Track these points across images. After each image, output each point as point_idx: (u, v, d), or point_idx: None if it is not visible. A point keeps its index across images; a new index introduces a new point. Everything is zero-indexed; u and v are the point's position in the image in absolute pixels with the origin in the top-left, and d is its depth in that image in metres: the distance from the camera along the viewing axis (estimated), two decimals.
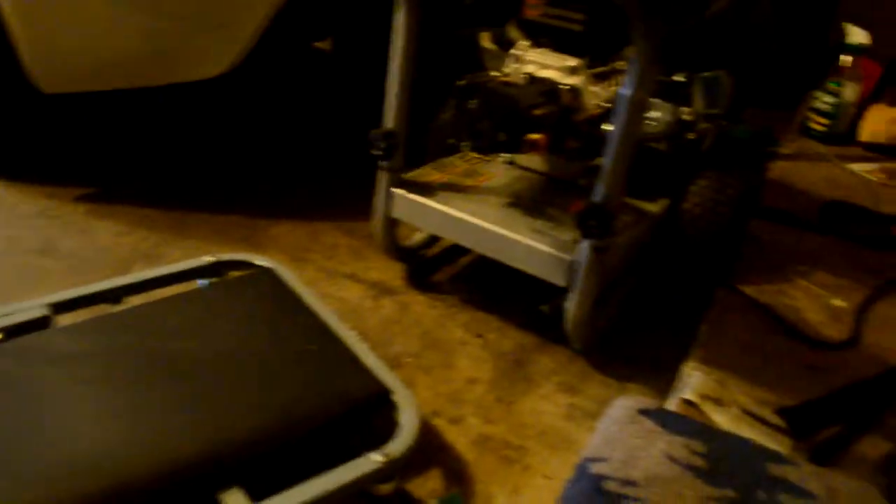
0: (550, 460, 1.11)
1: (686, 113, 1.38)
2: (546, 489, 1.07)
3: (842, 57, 2.13)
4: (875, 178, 1.95)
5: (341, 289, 1.45)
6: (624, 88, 1.06)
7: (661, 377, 1.27)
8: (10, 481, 0.84)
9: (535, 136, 1.20)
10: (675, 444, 0.97)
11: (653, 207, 1.38)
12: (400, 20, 1.23)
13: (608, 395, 1.24)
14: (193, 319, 1.14)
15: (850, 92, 2.11)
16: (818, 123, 2.20)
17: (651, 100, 1.35)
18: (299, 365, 1.07)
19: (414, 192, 1.33)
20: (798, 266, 1.49)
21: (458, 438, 1.13)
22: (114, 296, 1.21)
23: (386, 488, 1.00)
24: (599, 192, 1.12)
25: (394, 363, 1.26)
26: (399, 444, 0.98)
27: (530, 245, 1.22)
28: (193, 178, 1.81)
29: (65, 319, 1.15)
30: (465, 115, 1.25)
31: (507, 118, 1.21)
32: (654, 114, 1.35)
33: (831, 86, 2.15)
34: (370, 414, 1.06)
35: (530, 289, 1.32)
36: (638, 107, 1.08)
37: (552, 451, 1.13)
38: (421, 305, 1.42)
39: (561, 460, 1.11)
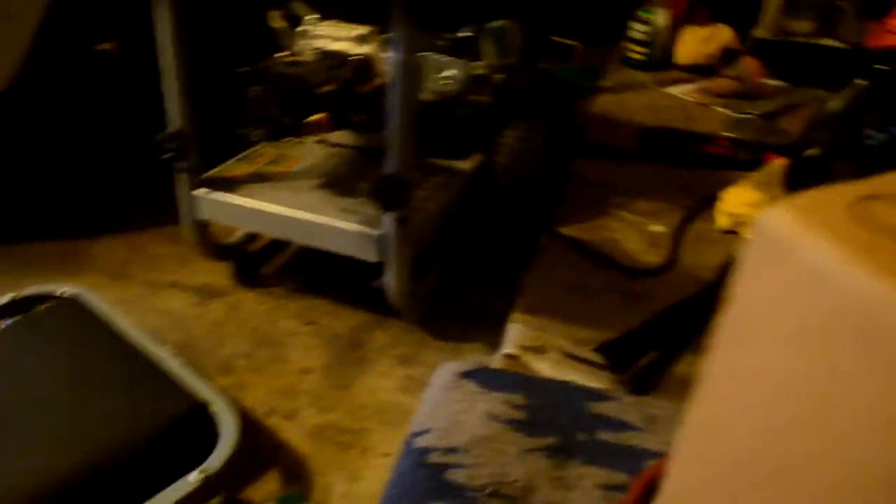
0: (388, 437, 1.11)
1: (479, 67, 1.37)
2: (385, 468, 1.05)
3: None
4: (692, 99, 2.02)
5: (166, 300, 1.39)
6: (393, 54, 1.04)
7: (497, 333, 1.28)
8: None
9: (315, 118, 1.17)
10: (496, 402, 0.98)
11: (464, 165, 1.38)
12: (162, 14, 1.16)
13: (445, 359, 1.24)
14: None
15: (662, 18, 2.17)
16: (636, 52, 2.25)
17: (442, 58, 1.33)
18: (106, 393, 1.02)
19: (215, 190, 1.28)
20: (618, 198, 1.53)
21: (294, 433, 1.12)
22: None
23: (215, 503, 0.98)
24: (391, 163, 1.11)
25: (223, 368, 1.22)
26: (217, 457, 0.95)
27: (336, 226, 1.20)
28: (2, 208, 1.69)
29: None
30: (251, 102, 1.21)
31: (290, 101, 1.18)
32: (447, 72, 1.34)
33: (644, 14, 2.20)
34: (188, 431, 1.03)
35: (362, 267, 1.30)
36: (410, 71, 1.06)
37: (390, 427, 1.13)
38: (250, 303, 1.39)
39: (399, 435, 1.09)
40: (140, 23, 1.24)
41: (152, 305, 1.38)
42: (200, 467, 0.93)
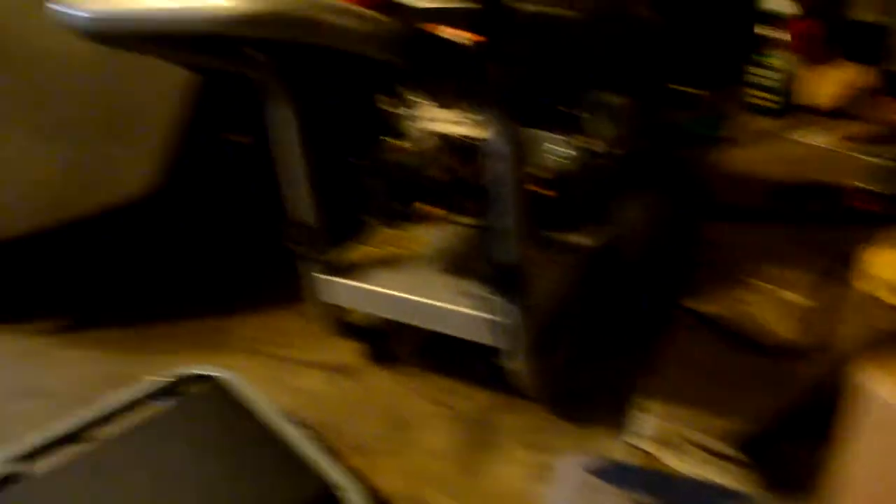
0: None
1: (595, 141, 1.36)
2: None
3: (768, 27, 2.08)
4: (826, 147, 1.91)
5: (300, 378, 1.45)
6: (494, 140, 1.04)
7: (625, 414, 1.25)
8: None
9: (428, 208, 1.19)
10: (624, 500, 0.96)
11: (586, 239, 1.37)
12: (282, 113, 1.22)
13: (574, 444, 1.23)
14: (151, 449, 1.16)
15: (787, 61, 2.08)
16: (761, 98, 2.16)
17: (554, 135, 1.33)
18: (241, 478, 1.08)
19: (337, 274, 1.34)
20: (750, 263, 1.46)
21: None
22: (80, 436, 1.23)
23: None
24: (503, 251, 1.11)
25: (356, 449, 1.26)
26: None
27: (454, 310, 1.21)
28: (153, 294, 1.83)
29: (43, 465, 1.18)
30: (365, 189, 1.26)
31: (399, 188, 1.21)
32: (561, 148, 1.34)
33: (766, 59, 2.11)
34: None
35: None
36: (514, 157, 1.05)
37: None
38: (383, 382, 1.42)
39: None
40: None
41: (288, 383, 1.44)
42: None
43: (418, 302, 1.25)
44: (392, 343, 1.52)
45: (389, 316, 1.31)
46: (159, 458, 1.14)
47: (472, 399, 1.35)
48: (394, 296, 1.27)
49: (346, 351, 1.51)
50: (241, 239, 1.99)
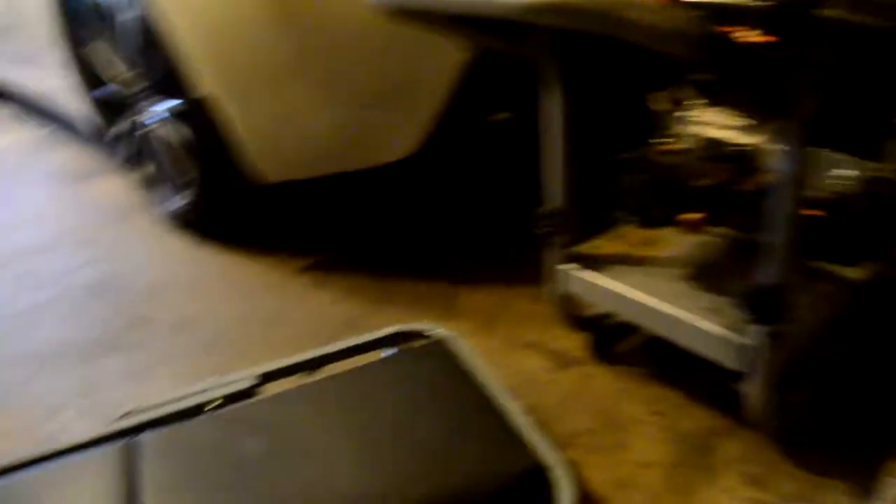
0: None
1: (881, 168, 1.22)
2: None
3: None
4: None
5: (523, 359, 1.48)
6: (783, 153, 0.97)
7: (865, 473, 1.13)
8: None
9: (689, 216, 1.14)
10: None
11: (854, 273, 1.24)
12: (553, 100, 1.24)
13: (800, 491, 1.13)
14: (372, 390, 1.24)
15: None
16: None
17: (837, 155, 1.22)
18: (456, 439, 1.12)
19: (581, 267, 1.33)
20: None
21: None
22: (310, 367, 1.36)
23: None
24: (768, 272, 1.04)
25: (565, 441, 1.26)
26: None
27: (698, 325, 1.16)
28: (396, 249, 1.95)
29: (273, 387, 1.33)
30: (627, 189, 1.23)
31: (664, 193, 1.17)
32: (841, 171, 1.22)
33: None
34: (525, 492, 1.09)
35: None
36: (801, 172, 0.98)
37: None
38: (602, 379, 1.41)
39: None
40: (535, 98, 1.33)
41: (509, 362, 1.47)
42: None
43: (660, 309, 1.21)
44: (617, 339, 1.49)
45: (627, 318, 1.29)
46: (376, 401, 1.22)
47: (690, 415, 1.30)
48: (636, 298, 1.25)
49: (570, 341, 1.51)
50: (488, 214, 2.06)
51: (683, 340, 1.20)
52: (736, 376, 1.20)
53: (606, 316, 1.50)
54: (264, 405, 1.24)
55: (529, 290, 1.69)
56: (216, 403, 1.28)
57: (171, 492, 1.08)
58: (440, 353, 1.31)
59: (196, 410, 1.28)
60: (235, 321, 1.70)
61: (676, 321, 1.19)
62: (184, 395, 1.30)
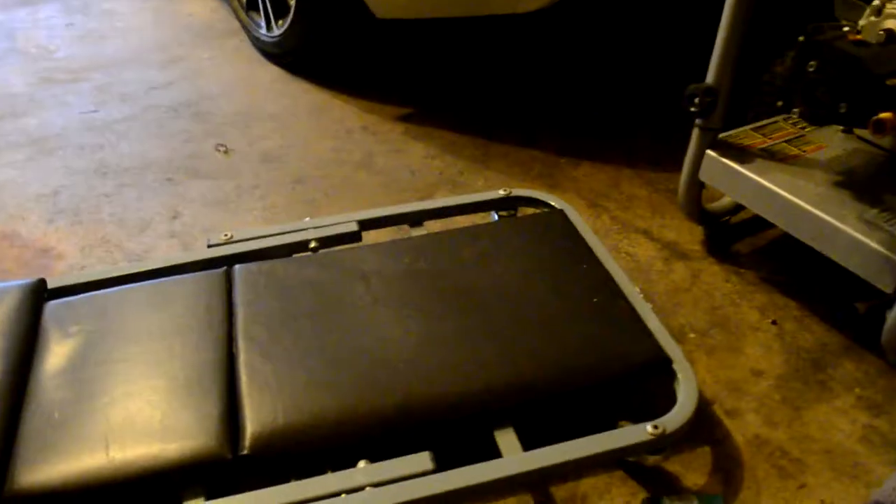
0: (832, 486, 1.00)
1: None
2: None
3: None
4: None
5: (633, 244, 1.40)
6: None
7: None
8: (312, 385, 0.96)
9: (884, 115, 1.01)
10: None
11: None
12: None
13: None
14: (484, 253, 1.17)
15: None
16: None
17: None
18: (582, 317, 1.06)
19: (728, 155, 1.22)
20: None
21: (733, 434, 1.06)
22: (415, 219, 1.29)
23: (652, 459, 0.98)
24: None
25: (676, 336, 1.20)
26: (675, 419, 0.94)
27: (855, 237, 1.06)
28: (499, 110, 1.83)
29: (370, 235, 1.27)
30: (802, 76, 1.10)
31: (851, 87, 1.04)
32: None
33: None
34: (645, 381, 1.04)
35: (843, 277, 1.16)
36: None
37: (836, 475, 1.01)
38: (715, 276, 1.33)
39: (845, 490, 1.00)
40: None
41: (619, 245, 1.40)
42: (655, 422, 0.93)
43: (808, 213, 1.11)
44: (735, 238, 1.40)
45: (766, 216, 1.19)
46: (490, 264, 1.15)
47: (807, 328, 1.22)
48: (781, 196, 1.14)
49: (684, 232, 1.42)
50: (608, 88, 1.92)
51: (829, 250, 1.10)
52: (863, 296, 1.11)
53: (730, 212, 1.41)
54: (367, 252, 1.18)
55: (641, 173, 1.58)
56: (314, 245, 1.23)
57: (267, 326, 1.05)
58: (557, 223, 1.23)
59: (294, 248, 1.23)
60: (325, 160, 1.63)
61: (825, 227, 1.09)
62: (280, 232, 1.25)
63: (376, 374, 0.97)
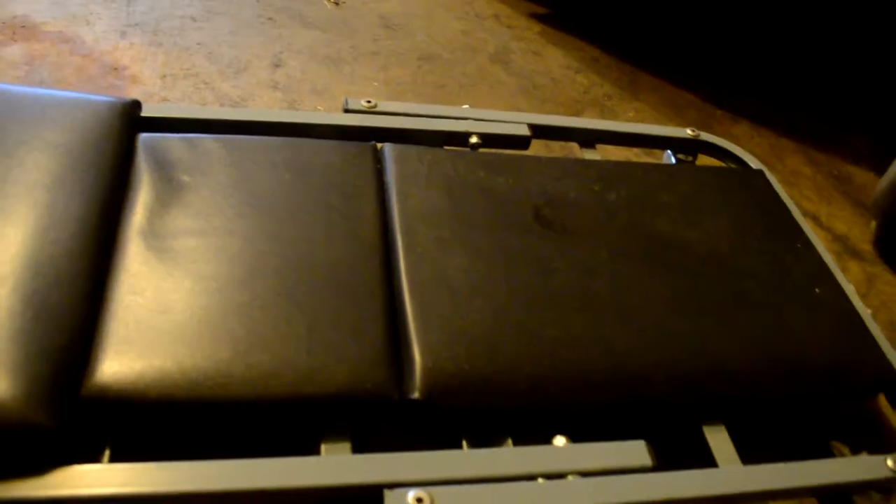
0: None
1: None
2: None
3: None
4: None
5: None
6: None
7: None
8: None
9: None
10: None
11: None
12: None
13: None
14: (686, 200, 0.96)
15: None
16: None
17: None
18: (802, 307, 0.87)
19: None
20: None
21: None
22: (589, 139, 1.07)
23: (877, 498, 0.83)
24: None
25: None
26: None
27: None
28: (650, 33, 1.59)
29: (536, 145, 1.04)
30: None
31: None
32: None
33: None
34: (867, 399, 0.88)
35: None
36: None
37: None
38: (890, 285, 1.16)
39: None
40: None
41: None
42: (892, 454, 0.76)
43: None
44: None
45: None
46: (694, 217, 0.94)
47: None
48: None
49: (856, 226, 1.25)
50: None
51: None
52: None
53: None
54: (547, 166, 0.96)
55: (805, 149, 1.39)
56: (476, 141, 0.99)
57: (435, 232, 0.82)
58: (762, 188, 1.03)
59: (451, 139, 0.99)
60: (454, 42, 1.39)
61: None
62: (435, 114, 1.02)
63: (579, 328, 0.77)
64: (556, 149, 1.09)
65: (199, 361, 0.65)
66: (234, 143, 0.88)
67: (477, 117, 1.02)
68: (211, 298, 0.71)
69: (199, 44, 1.20)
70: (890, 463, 0.76)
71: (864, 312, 0.91)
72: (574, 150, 1.07)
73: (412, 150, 0.92)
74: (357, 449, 0.66)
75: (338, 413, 0.68)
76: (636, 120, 1.30)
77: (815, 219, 1.24)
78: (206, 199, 0.80)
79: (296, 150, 0.88)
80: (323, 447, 0.66)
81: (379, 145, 0.91)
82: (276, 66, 1.20)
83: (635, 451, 0.70)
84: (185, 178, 0.82)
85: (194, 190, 0.81)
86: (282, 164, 0.86)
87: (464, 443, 0.69)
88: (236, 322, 0.69)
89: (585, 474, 0.67)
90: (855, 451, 0.80)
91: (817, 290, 0.90)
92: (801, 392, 0.81)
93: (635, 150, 1.16)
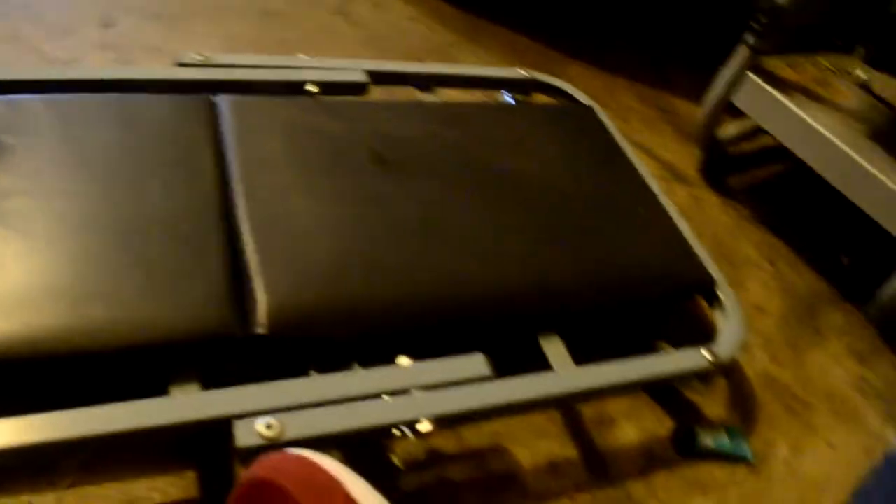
0: (836, 429, 1.00)
1: None
2: (829, 459, 0.96)
3: None
4: None
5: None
6: None
7: None
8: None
9: None
10: None
11: None
12: None
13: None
14: (518, 136, 1.03)
15: None
16: None
17: None
18: (629, 228, 0.96)
19: (769, 82, 1.15)
20: None
21: (745, 368, 1.03)
22: (426, 82, 1.11)
23: (697, 386, 0.93)
24: None
25: None
26: (726, 346, 0.88)
27: (887, 185, 1.03)
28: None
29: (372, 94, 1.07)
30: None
31: None
32: None
33: None
34: (687, 301, 0.98)
35: (833, 224, 1.16)
36: None
37: (838, 419, 1.01)
38: (714, 207, 1.28)
39: (847, 433, 1.00)
40: None
41: None
42: (706, 347, 0.86)
43: (840, 151, 1.07)
44: (732, 170, 1.36)
45: (798, 152, 1.14)
46: (525, 150, 1.01)
47: (800, 273, 1.21)
48: (817, 132, 1.10)
49: (679, 155, 1.35)
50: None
51: (857, 196, 1.08)
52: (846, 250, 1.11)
53: (733, 142, 1.35)
54: (383, 110, 0.99)
55: (634, 85, 1.49)
56: (313, 89, 1.01)
57: (271, 176, 0.84)
58: (591, 122, 1.11)
59: (288, 88, 1.00)
60: (299, 0, 1.37)
61: (860, 172, 1.06)
62: (270, 65, 1.02)
63: (419, 256, 0.81)
64: (401, 96, 1.11)
65: (37, 319, 0.65)
66: (60, 103, 0.86)
67: (313, 65, 1.03)
68: (43, 257, 0.70)
69: (23, 7, 1.14)
70: (705, 353, 0.86)
71: (684, 227, 1.00)
72: (415, 96, 1.11)
73: (247, 100, 0.93)
74: (207, 388, 0.67)
75: (184, 355, 0.69)
76: (477, 65, 1.35)
77: (646, 149, 1.33)
78: (34, 159, 0.79)
79: (126, 107, 0.87)
80: (172, 389, 0.67)
81: (214, 98, 0.91)
82: (107, 25, 1.16)
83: (474, 364, 0.75)
84: (10, 140, 0.80)
85: (20, 152, 0.79)
86: (112, 120, 0.85)
87: (311, 372, 0.72)
88: (71, 277, 0.69)
89: (429, 388, 0.72)
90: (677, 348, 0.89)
91: (641, 210, 0.99)
92: (626, 298, 0.89)
93: (475, 93, 1.19)
